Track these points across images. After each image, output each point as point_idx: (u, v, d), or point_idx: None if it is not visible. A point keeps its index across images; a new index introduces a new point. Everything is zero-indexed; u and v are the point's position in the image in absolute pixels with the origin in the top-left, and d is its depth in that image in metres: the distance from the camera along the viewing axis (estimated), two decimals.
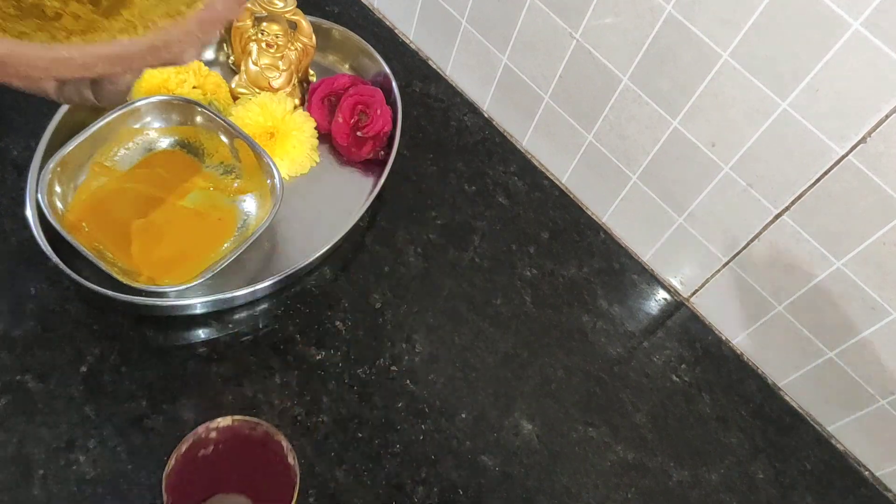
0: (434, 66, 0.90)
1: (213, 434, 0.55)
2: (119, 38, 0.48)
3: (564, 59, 0.74)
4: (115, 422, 0.61)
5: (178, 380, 0.63)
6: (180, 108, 0.72)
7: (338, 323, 0.69)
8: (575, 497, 0.66)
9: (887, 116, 0.55)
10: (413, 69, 0.89)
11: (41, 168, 0.65)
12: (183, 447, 0.53)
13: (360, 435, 0.64)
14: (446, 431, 0.66)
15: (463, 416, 0.67)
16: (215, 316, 0.67)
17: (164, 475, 0.52)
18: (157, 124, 0.73)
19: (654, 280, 0.80)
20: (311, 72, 0.83)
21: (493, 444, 0.66)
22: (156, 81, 0.74)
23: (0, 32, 0.47)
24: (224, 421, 0.55)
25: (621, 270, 0.80)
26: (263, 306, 0.69)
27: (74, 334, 0.64)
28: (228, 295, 0.65)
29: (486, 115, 0.87)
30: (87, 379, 0.62)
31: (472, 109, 0.88)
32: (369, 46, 0.82)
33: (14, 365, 0.61)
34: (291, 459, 0.55)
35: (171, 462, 0.53)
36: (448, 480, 0.64)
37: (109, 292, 0.62)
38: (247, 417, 0.55)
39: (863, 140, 0.57)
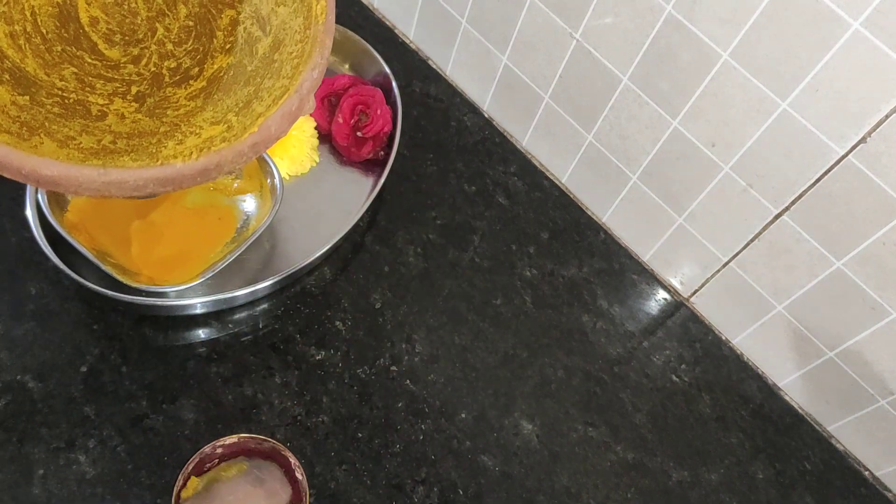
0: (434, 66, 0.90)
1: (220, 450, 0.55)
2: (173, 163, 0.48)
3: (564, 60, 0.74)
4: (115, 422, 0.61)
5: (178, 380, 0.63)
6: None
7: (338, 323, 0.69)
8: (575, 497, 0.66)
9: (887, 116, 0.55)
10: (413, 69, 0.89)
11: None
12: (189, 466, 0.53)
13: (360, 435, 0.64)
14: (446, 431, 0.66)
15: (463, 416, 0.67)
16: (215, 316, 0.67)
17: (173, 495, 0.52)
18: None
19: (654, 280, 0.80)
20: None
21: (493, 444, 0.66)
22: None
23: (47, 137, 0.47)
24: (230, 438, 0.55)
25: (621, 270, 0.80)
26: (263, 306, 0.69)
27: (74, 334, 0.64)
28: (228, 295, 0.65)
29: (486, 115, 0.87)
30: (87, 379, 0.62)
31: (472, 109, 0.88)
32: (369, 46, 0.82)
33: (14, 365, 0.61)
34: (300, 475, 0.55)
35: (180, 482, 0.53)
36: (448, 480, 0.64)
37: (109, 292, 0.62)
38: (253, 435, 0.55)
39: (863, 140, 0.57)
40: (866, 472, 0.74)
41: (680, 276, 0.79)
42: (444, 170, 0.82)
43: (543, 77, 0.77)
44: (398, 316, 0.71)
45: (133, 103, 0.52)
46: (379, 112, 0.78)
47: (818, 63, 0.56)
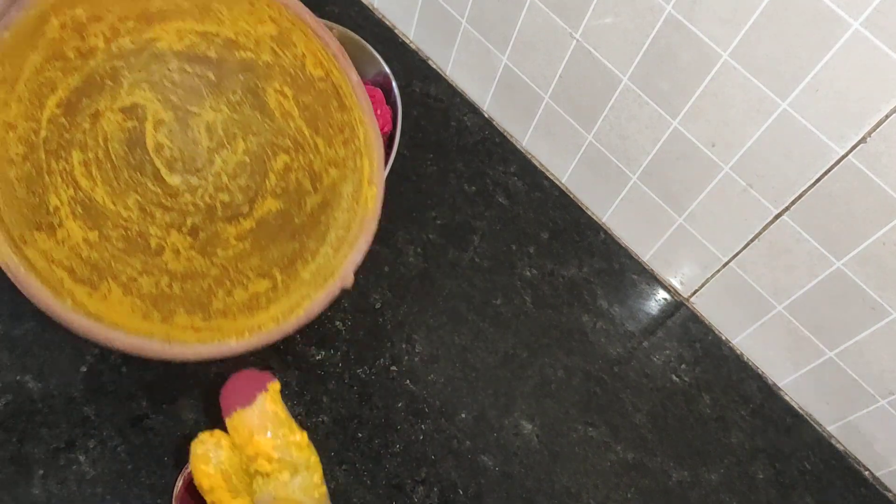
0: (434, 66, 0.90)
1: None
2: (227, 342, 0.51)
3: (564, 60, 0.74)
4: (115, 422, 0.61)
5: (178, 380, 0.63)
6: None
7: (338, 323, 0.69)
8: (575, 497, 0.66)
9: (887, 116, 0.55)
10: (413, 69, 0.89)
11: None
12: (187, 470, 0.53)
13: (360, 435, 0.64)
14: (446, 431, 0.66)
15: (463, 416, 0.67)
16: None
17: (172, 498, 0.52)
18: None
19: (655, 280, 0.80)
20: None
21: (493, 444, 0.66)
22: None
23: (114, 282, 0.49)
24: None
25: (621, 270, 0.80)
26: None
27: (74, 334, 0.64)
28: None
29: (486, 115, 0.87)
30: (86, 379, 0.62)
31: (472, 109, 0.88)
32: (369, 46, 0.82)
33: (14, 365, 0.61)
34: None
35: (179, 484, 0.53)
36: (448, 480, 0.64)
37: None
38: None
39: (863, 140, 0.57)
40: (866, 472, 0.74)
41: (680, 276, 0.79)
42: (443, 170, 0.82)
43: (543, 77, 0.77)
44: (398, 316, 0.71)
45: (188, 237, 0.53)
46: (379, 112, 0.78)
47: (818, 63, 0.56)
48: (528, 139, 0.85)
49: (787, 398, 0.76)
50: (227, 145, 0.52)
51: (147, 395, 0.62)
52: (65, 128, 0.45)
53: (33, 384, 0.61)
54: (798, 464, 0.72)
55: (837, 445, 0.74)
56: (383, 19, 0.92)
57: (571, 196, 0.84)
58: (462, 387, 0.69)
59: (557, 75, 0.76)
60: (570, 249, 0.80)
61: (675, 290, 0.80)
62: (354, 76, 0.46)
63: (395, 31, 0.92)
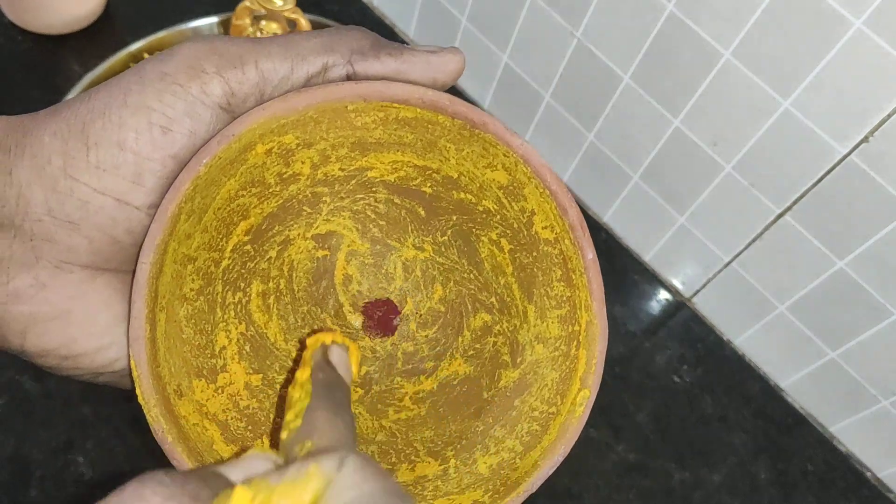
0: None
1: None
2: None
3: (565, 58, 0.74)
4: (114, 422, 0.60)
5: None
6: None
7: None
8: (576, 498, 0.65)
9: (889, 116, 0.55)
10: None
11: None
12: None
13: None
14: None
15: None
16: None
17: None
18: None
19: (656, 280, 0.80)
20: None
21: None
22: None
23: (268, 439, 0.41)
24: None
25: (622, 271, 0.79)
26: None
27: None
28: None
29: None
30: None
31: None
32: None
33: (11, 364, 0.61)
34: None
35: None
36: None
37: None
38: None
39: (865, 139, 0.57)
40: (868, 474, 0.73)
41: (681, 277, 0.79)
42: None
43: (544, 76, 0.77)
44: None
45: (359, 388, 0.46)
46: None
47: (820, 62, 0.56)
48: (529, 138, 0.84)
49: (789, 399, 0.76)
50: (424, 289, 0.45)
51: None
52: (249, 256, 0.39)
53: (31, 384, 0.61)
54: (800, 465, 0.72)
55: (839, 446, 0.74)
56: (383, 18, 0.92)
57: (572, 195, 0.83)
58: None
59: (558, 74, 0.75)
60: None
61: (677, 291, 0.80)
62: (591, 254, 0.40)
63: (395, 29, 0.92)
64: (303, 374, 0.35)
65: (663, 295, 0.79)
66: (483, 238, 0.42)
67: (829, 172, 0.60)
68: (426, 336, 0.46)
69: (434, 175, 0.39)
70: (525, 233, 0.41)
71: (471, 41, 0.83)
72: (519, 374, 0.44)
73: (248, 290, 0.40)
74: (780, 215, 0.66)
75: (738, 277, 0.73)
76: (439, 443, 0.45)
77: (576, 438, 0.41)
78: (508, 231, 0.41)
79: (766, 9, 0.57)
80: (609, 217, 0.81)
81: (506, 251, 0.42)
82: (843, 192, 0.60)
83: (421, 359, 0.46)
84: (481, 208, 0.41)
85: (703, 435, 0.71)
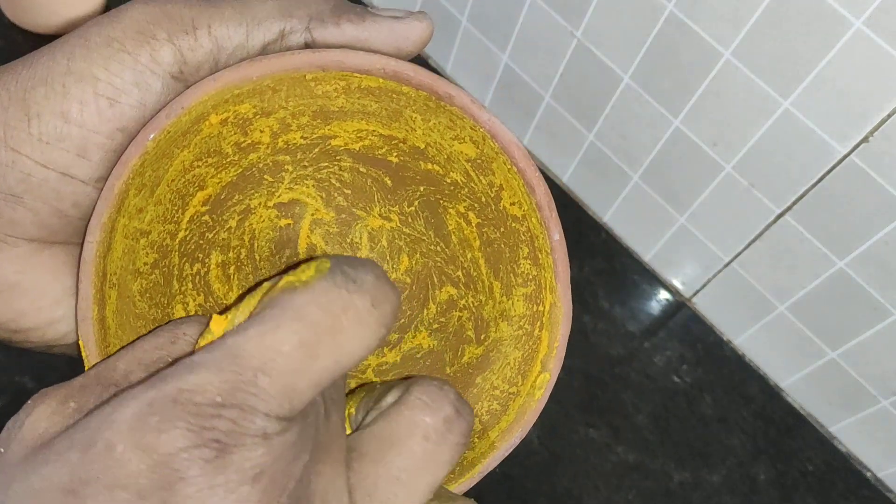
0: (434, 65, 0.90)
1: None
2: None
3: (565, 58, 0.74)
4: None
5: None
6: None
7: None
8: (576, 499, 0.65)
9: (890, 116, 0.55)
10: None
11: None
12: None
13: None
14: None
15: None
16: None
17: None
18: None
19: (656, 280, 0.80)
20: None
21: None
22: None
23: None
24: None
25: (622, 271, 0.79)
26: None
27: None
28: None
29: None
30: None
31: None
32: None
33: (12, 366, 0.61)
34: None
35: None
36: None
37: None
38: None
39: (865, 139, 0.57)
40: (868, 474, 0.73)
41: (681, 277, 0.78)
42: None
43: (544, 76, 0.77)
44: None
45: None
46: None
47: (820, 62, 0.56)
48: (529, 138, 0.84)
49: (788, 399, 0.76)
50: (390, 259, 0.45)
51: None
52: (207, 226, 0.39)
53: (32, 385, 0.61)
54: (800, 465, 0.72)
55: (840, 447, 0.74)
56: None
57: (572, 196, 0.83)
58: None
59: (558, 74, 0.75)
60: (570, 250, 0.79)
61: (677, 291, 0.80)
62: (557, 234, 0.39)
63: None
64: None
65: (663, 295, 0.79)
66: (451, 210, 0.42)
67: (829, 172, 0.60)
68: None
69: (400, 145, 0.39)
70: (493, 207, 0.40)
71: (471, 41, 0.83)
72: (482, 350, 0.44)
73: (206, 260, 0.40)
74: (780, 215, 0.66)
75: (738, 277, 0.73)
76: None
77: (533, 421, 0.41)
78: (476, 205, 0.41)
79: (766, 9, 0.56)
80: (609, 217, 0.81)
81: (473, 225, 0.42)
82: (844, 193, 0.60)
83: None
84: (449, 180, 0.40)
85: (702, 435, 0.71)
